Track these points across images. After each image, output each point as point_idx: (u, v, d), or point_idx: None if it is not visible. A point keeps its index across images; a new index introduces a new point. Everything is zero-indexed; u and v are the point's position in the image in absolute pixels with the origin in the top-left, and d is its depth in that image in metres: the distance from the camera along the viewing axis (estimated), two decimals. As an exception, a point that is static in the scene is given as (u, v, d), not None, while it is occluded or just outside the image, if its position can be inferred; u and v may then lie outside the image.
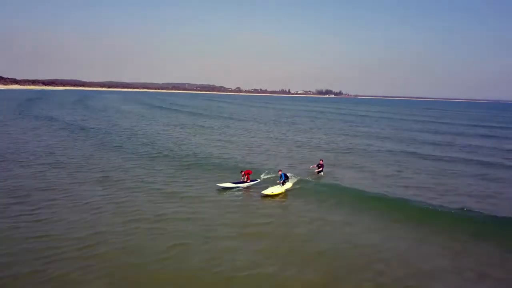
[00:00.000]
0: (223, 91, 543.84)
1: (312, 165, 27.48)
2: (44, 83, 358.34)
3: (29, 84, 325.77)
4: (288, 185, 22.14)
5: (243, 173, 23.19)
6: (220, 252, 13.57)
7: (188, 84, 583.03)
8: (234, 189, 21.97)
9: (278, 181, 21.96)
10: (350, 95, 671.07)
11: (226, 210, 18.27)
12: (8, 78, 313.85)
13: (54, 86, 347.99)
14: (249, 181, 23.04)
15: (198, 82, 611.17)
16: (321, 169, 26.41)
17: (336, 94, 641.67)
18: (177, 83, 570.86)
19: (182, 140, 40.39)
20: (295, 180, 23.29)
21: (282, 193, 21.27)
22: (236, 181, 22.90)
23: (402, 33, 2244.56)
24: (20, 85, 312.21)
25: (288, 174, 22.72)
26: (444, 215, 18.08)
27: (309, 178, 24.63)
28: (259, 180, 23.64)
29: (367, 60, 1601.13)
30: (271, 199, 20.43)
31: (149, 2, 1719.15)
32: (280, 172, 22.23)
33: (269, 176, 24.37)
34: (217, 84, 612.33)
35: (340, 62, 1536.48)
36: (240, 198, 20.69)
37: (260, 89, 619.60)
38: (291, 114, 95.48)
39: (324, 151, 35.91)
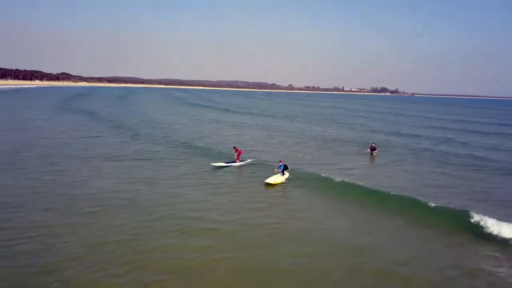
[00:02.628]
0: (275, 89, 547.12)
1: (368, 148, 34.07)
2: (109, 80, 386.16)
3: (95, 81, 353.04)
4: (287, 175, 23.75)
5: (235, 148, 27.77)
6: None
7: (241, 82, 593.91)
8: (227, 168, 26.09)
9: (277, 170, 23.81)
10: (407, 93, 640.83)
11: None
12: (77, 76, 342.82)
13: (117, 83, 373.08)
14: (239, 161, 27.09)
15: (251, 80, 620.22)
16: (375, 151, 33.08)
17: (392, 92, 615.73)
18: (231, 81, 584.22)
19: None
20: (290, 169, 24.70)
21: (282, 182, 23.02)
22: (228, 160, 27.35)
23: (466, 26, 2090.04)
24: (88, 82, 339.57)
25: (287, 165, 24.27)
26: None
27: (305, 168, 25.94)
28: (248, 161, 27.80)
29: (426, 56, 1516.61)
30: (274, 187, 22.28)
31: (214, 3, 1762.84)
32: (280, 163, 23.90)
33: (258, 160, 28.41)
34: (269, 82, 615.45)
35: (396, 58, 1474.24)
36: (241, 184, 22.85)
37: (313, 87, 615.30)
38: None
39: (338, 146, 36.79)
